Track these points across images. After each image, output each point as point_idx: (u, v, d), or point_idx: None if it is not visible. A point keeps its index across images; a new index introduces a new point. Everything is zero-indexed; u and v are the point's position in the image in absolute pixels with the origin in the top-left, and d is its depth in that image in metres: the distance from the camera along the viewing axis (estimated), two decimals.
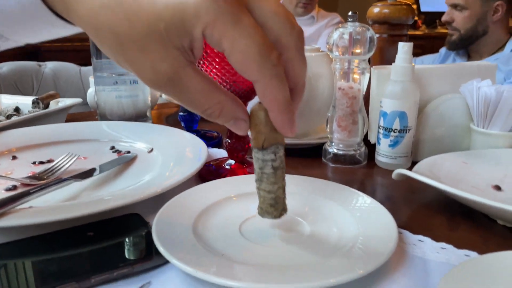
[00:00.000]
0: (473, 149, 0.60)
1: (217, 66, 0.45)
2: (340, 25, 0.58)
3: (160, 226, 0.37)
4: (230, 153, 0.55)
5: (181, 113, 0.73)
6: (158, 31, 0.25)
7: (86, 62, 0.92)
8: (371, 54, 0.58)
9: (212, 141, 0.70)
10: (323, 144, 0.64)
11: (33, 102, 0.83)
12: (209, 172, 0.55)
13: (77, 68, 1.87)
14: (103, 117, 0.76)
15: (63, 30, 0.31)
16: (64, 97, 0.87)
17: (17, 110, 0.81)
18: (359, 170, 0.60)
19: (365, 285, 0.32)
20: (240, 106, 0.29)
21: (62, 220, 0.37)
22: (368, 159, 0.62)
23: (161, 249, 0.33)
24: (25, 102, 0.84)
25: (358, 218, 0.40)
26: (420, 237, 0.40)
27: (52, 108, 0.81)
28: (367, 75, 0.60)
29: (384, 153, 0.59)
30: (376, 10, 0.72)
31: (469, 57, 1.72)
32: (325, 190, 0.46)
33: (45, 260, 0.34)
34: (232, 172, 0.54)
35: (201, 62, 0.46)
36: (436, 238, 0.40)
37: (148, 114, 0.79)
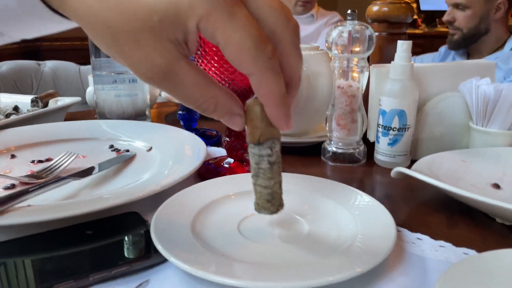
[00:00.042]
0: (472, 147, 0.60)
1: (215, 65, 0.45)
2: (339, 24, 0.58)
3: (158, 224, 0.37)
4: (229, 152, 0.55)
5: (180, 112, 0.73)
6: (152, 24, 0.24)
7: (86, 61, 0.92)
8: (370, 52, 0.58)
9: (211, 140, 0.70)
10: (322, 142, 0.64)
11: (32, 101, 0.82)
12: (208, 170, 0.55)
13: (77, 67, 1.87)
14: (102, 116, 0.76)
15: (58, 25, 0.31)
16: (64, 96, 0.87)
17: (16, 109, 0.81)
18: (358, 168, 0.60)
19: (364, 283, 0.32)
20: (236, 100, 0.29)
21: (61, 219, 0.37)
22: (367, 157, 0.62)
23: (159, 247, 0.33)
24: (24, 101, 0.84)
25: (356, 217, 0.40)
26: (419, 235, 0.40)
27: (51, 107, 0.81)
28: (366, 73, 0.60)
29: (383, 151, 0.59)
30: (375, 8, 0.72)
31: (469, 56, 1.71)
32: (324, 188, 0.46)
33: (43, 258, 0.34)
34: (231, 171, 0.54)
35: (200, 61, 0.46)
36: (435, 236, 0.40)
37: (147, 113, 0.78)
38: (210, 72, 0.46)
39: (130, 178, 0.51)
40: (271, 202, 0.33)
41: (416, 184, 0.53)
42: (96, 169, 0.51)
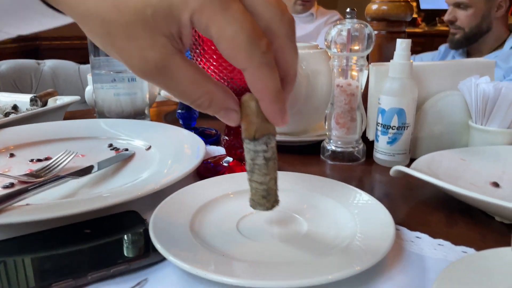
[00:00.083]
0: (472, 146, 0.60)
1: (214, 63, 0.45)
2: (338, 22, 0.58)
3: (157, 223, 0.37)
4: (228, 151, 0.55)
5: (179, 111, 0.73)
6: (145, 17, 0.24)
7: (85, 60, 0.92)
8: (369, 51, 0.58)
9: (210, 139, 0.70)
10: (321, 141, 0.64)
11: (31, 100, 0.82)
12: (207, 169, 0.55)
13: (76, 66, 1.87)
14: (101, 115, 0.76)
15: (53, 20, 0.31)
16: (63, 95, 0.87)
17: (15, 108, 0.81)
18: (357, 167, 0.60)
19: (363, 281, 0.32)
20: (231, 96, 0.29)
21: (59, 217, 0.37)
22: (366, 156, 0.62)
23: (158, 246, 0.33)
24: (23, 100, 0.84)
25: (356, 215, 0.40)
26: (418, 233, 0.40)
27: (50, 106, 0.81)
28: (365, 72, 0.59)
29: (382, 150, 0.59)
30: (374, 7, 0.72)
31: (469, 55, 1.71)
32: (323, 187, 0.46)
33: (41, 257, 0.34)
34: (230, 170, 0.54)
35: (199, 59, 0.46)
36: (434, 235, 0.40)
37: (146, 111, 0.78)
38: (209, 71, 0.46)
39: (129, 177, 0.51)
40: (266, 198, 0.33)
41: (415, 183, 0.53)
42: (95, 168, 0.51)
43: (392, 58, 0.57)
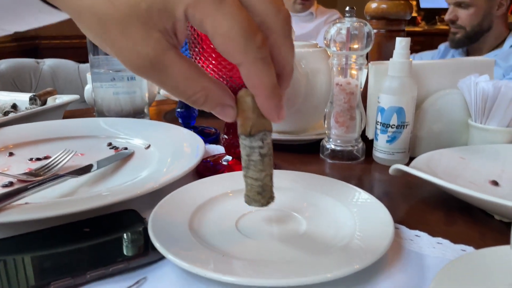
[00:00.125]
0: (471, 144, 0.60)
1: (213, 62, 0.45)
2: (337, 21, 0.58)
3: (156, 222, 0.37)
4: (228, 149, 0.55)
5: (179, 110, 0.73)
6: (139, 12, 0.24)
7: (85, 59, 0.92)
8: (368, 49, 0.57)
9: (209, 138, 0.70)
10: (320, 140, 0.64)
11: (31, 99, 0.82)
12: (206, 168, 0.55)
13: (76, 65, 1.87)
14: (101, 114, 0.76)
15: (50, 16, 0.31)
16: (62, 94, 0.86)
17: (14, 106, 0.81)
18: (356, 166, 0.60)
19: (362, 280, 0.32)
20: (227, 92, 0.29)
21: (59, 216, 0.37)
22: (366, 155, 0.62)
23: (157, 244, 0.33)
24: (22, 98, 0.84)
25: (355, 214, 0.40)
26: (417, 232, 0.40)
27: (49, 105, 0.81)
28: (365, 70, 0.59)
29: (381, 148, 0.59)
30: (373, 5, 0.72)
31: (469, 54, 1.71)
32: (323, 186, 0.46)
33: (41, 255, 0.34)
34: (229, 168, 0.54)
35: (198, 58, 0.45)
36: (433, 233, 0.40)
37: (145, 110, 0.78)
38: (208, 69, 0.46)
39: (128, 176, 0.51)
40: (261, 194, 0.33)
41: (415, 181, 0.53)
42: (94, 167, 0.51)
43: (391, 56, 0.57)
